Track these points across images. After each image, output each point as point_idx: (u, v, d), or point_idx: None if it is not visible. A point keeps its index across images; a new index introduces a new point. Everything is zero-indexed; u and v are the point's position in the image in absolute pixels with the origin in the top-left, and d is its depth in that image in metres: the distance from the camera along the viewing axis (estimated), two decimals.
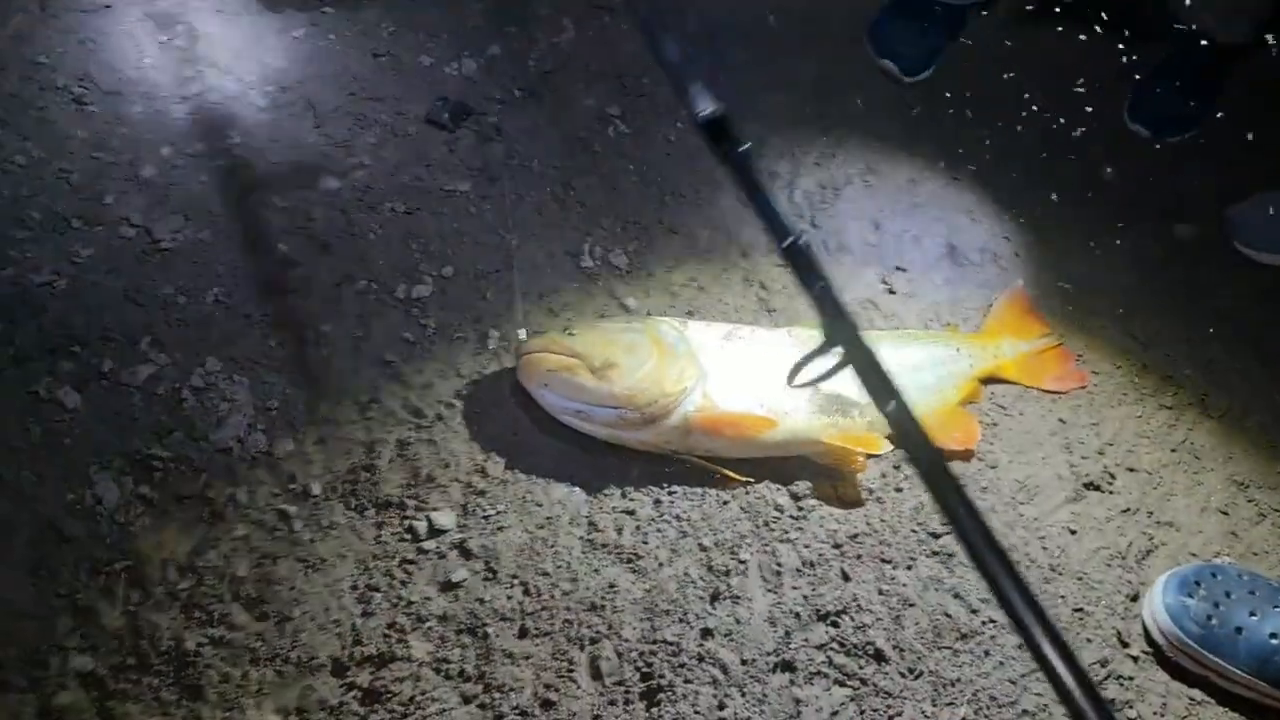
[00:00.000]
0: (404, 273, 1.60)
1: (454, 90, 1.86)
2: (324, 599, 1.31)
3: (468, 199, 1.71)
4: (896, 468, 1.56)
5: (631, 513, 1.44)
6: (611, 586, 1.38)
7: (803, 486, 1.51)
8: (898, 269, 1.79)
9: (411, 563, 1.36)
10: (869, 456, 1.53)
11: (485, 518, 1.40)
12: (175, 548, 1.32)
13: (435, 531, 1.38)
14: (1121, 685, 1.44)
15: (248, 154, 1.68)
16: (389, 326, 1.55)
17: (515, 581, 1.36)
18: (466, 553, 1.37)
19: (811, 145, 1.94)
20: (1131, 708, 1.42)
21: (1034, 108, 2.05)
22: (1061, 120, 2.04)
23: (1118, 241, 1.94)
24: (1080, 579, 1.51)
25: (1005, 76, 2.09)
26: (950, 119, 2.05)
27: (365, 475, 1.41)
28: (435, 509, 1.39)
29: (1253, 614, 1.42)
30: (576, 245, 1.70)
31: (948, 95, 2.06)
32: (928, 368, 1.62)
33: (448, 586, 1.34)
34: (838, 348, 1.03)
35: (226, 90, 1.77)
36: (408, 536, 1.37)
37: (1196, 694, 1.45)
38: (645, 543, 1.42)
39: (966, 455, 1.59)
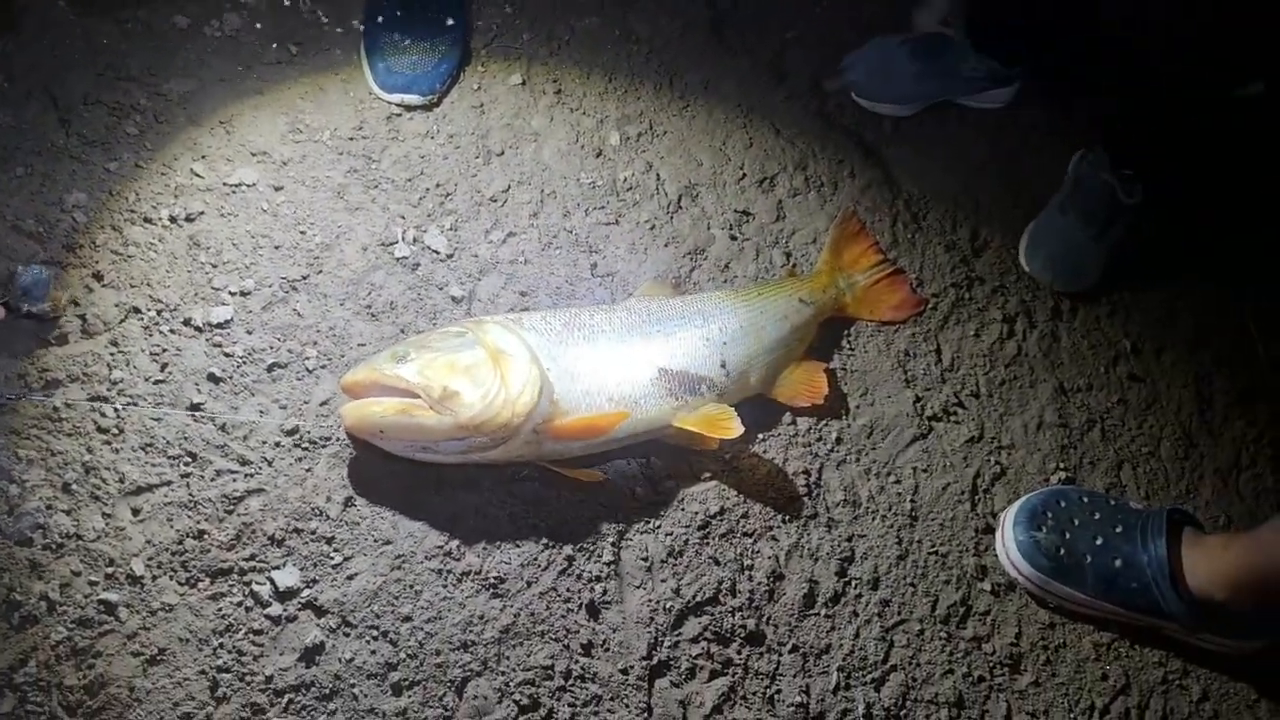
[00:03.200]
0: (197, 294, 1.42)
1: (216, 53, 1.63)
2: (169, 693, 1.21)
3: (257, 192, 1.52)
4: (748, 431, 1.53)
5: (489, 532, 1.37)
6: (479, 618, 1.32)
7: (658, 468, 1.48)
8: (732, 210, 1.72)
9: (260, 633, 1.26)
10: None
11: (333, 567, 1.31)
12: None
13: (281, 594, 1.28)
14: (980, 621, 1.50)
15: None
16: (190, 362, 1.38)
17: (375, 632, 1.29)
18: (318, 610, 1.28)
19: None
20: (990, 641, 1.49)
21: None
22: None
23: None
24: (934, 519, 1.55)
25: None
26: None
27: (193, 543, 1.28)
28: (277, 567, 1.29)
29: (1096, 539, 1.50)
30: (388, 231, 1.55)
31: None
32: (770, 325, 1.57)
33: (304, 653, 1.25)
34: None
35: None
36: (251, 604, 1.27)
37: (1046, 617, 1.53)
38: (507, 563, 1.36)
39: (816, 408, 1.58)
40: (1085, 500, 1.55)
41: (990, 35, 1.88)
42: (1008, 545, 1.53)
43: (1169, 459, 1.71)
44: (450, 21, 1.71)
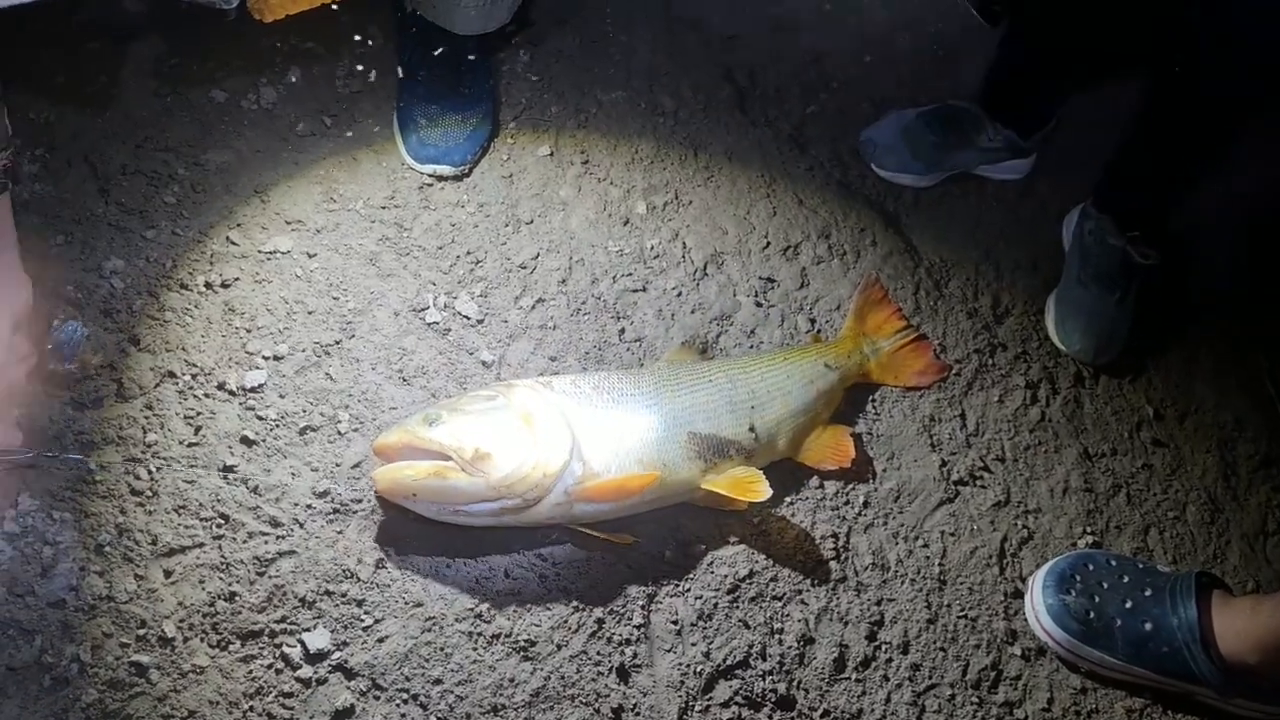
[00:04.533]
0: (231, 358, 1.44)
1: (252, 126, 1.67)
2: None
3: (291, 259, 1.55)
4: (776, 495, 1.54)
5: (519, 594, 1.37)
6: (510, 680, 1.31)
7: (687, 531, 1.48)
8: (757, 277, 1.74)
9: (290, 695, 1.25)
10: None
11: (364, 629, 1.30)
12: None
13: (311, 656, 1.27)
14: (1011, 686, 1.49)
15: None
16: (224, 425, 1.39)
17: (406, 695, 1.28)
18: (349, 673, 1.27)
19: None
20: (1021, 706, 1.48)
21: None
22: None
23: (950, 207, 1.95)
24: (963, 583, 1.54)
25: None
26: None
27: (224, 605, 1.28)
28: (307, 630, 1.28)
29: (1125, 602, 1.49)
30: (419, 298, 1.57)
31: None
32: (797, 390, 1.58)
33: (335, 715, 1.24)
34: None
35: None
36: (282, 666, 1.26)
37: (1077, 683, 1.51)
38: (537, 626, 1.36)
39: (844, 472, 1.58)
40: (1113, 564, 1.54)
41: (1007, 106, 1.92)
42: (1037, 609, 1.52)
43: (1195, 524, 1.71)
44: (481, 95, 1.75)
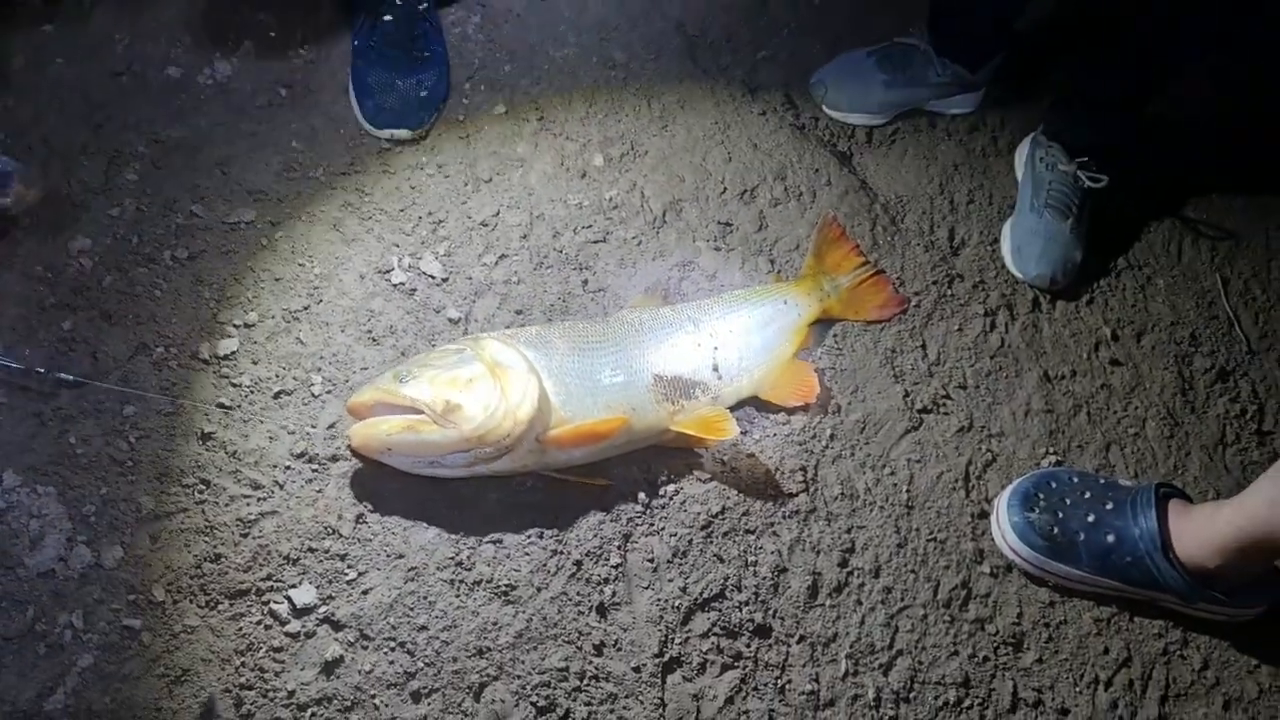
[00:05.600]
0: (203, 328, 1.47)
1: (209, 100, 1.69)
2: (194, 712, 1.24)
3: (255, 229, 1.57)
4: (744, 433, 1.58)
5: (498, 542, 1.41)
6: (493, 624, 1.36)
7: (659, 472, 1.52)
8: (716, 222, 1.77)
9: (280, 650, 1.29)
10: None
11: (348, 583, 1.35)
12: (16, 695, 1.21)
13: (298, 610, 1.31)
14: (981, 603, 1.54)
15: None
16: (200, 394, 1.43)
17: (393, 643, 1.32)
18: (336, 625, 1.32)
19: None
20: (991, 622, 1.53)
21: None
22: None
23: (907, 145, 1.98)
24: (930, 507, 1.59)
25: None
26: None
27: (211, 566, 1.32)
28: (293, 586, 1.33)
29: (1088, 516, 1.54)
30: (384, 259, 1.60)
31: None
32: (758, 329, 1.62)
33: (324, 666, 1.29)
34: None
35: None
36: (271, 622, 1.30)
37: (1045, 596, 1.56)
38: (517, 570, 1.40)
39: (808, 407, 1.62)
40: (1076, 480, 1.59)
41: (954, 41, 1.95)
42: (1003, 528, 1.57)
43: (1155, 439, 1.76)
44: (434, 58, 1.77)
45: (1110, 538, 1.51)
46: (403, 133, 1.72)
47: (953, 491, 1.62)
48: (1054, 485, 1.58)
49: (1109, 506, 1.54)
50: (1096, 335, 1.85)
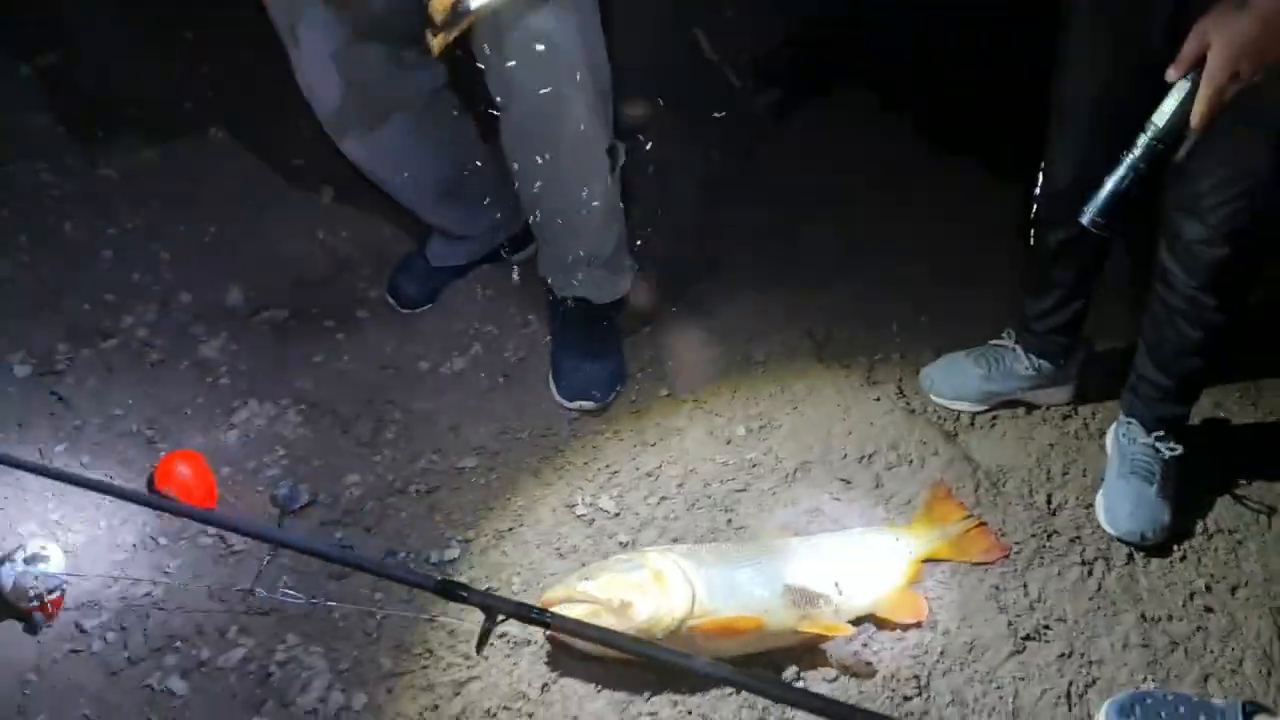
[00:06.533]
0: (433, 542, 1.93)
1: (448, 384, 2.25)
2: None
3: (476, 473, 2.07)
4: (865, 645, 1.87)
5: (655, 713, 1.72)
6: None
7: (792, 670, 1.81)
8: (837, 479, 2.16)
9: None
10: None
11: None
12: None
13: None
14: None
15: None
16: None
17: None
18: None
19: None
20: None
21: None
22: None
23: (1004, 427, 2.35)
24: (1036, 718, 1.81)
25: None
26: None
27: (430, 716, 1.68)
28: None
29: None
30: (571, 498, 2.05)
31: None
32: (874, 557, 1.95)
33: None
34: None
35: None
36: None
37: None
38: None
39: (919, 626, 1.90)
40: (1169, 698, 1.79)
41: (1039, 339, 2.35)
42: None
43: (1253, 675, 1.92)
44: (613, 350, 2.31)
45: None
46: (589, 405, 2.22)
47: (1056, 706, 1.83)
48: (1149, 702, 1.78)
49: (1201, 718, 1.73)
50: (1191, 586, 2.06)
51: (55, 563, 1.75)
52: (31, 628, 1.75)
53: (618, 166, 2.12)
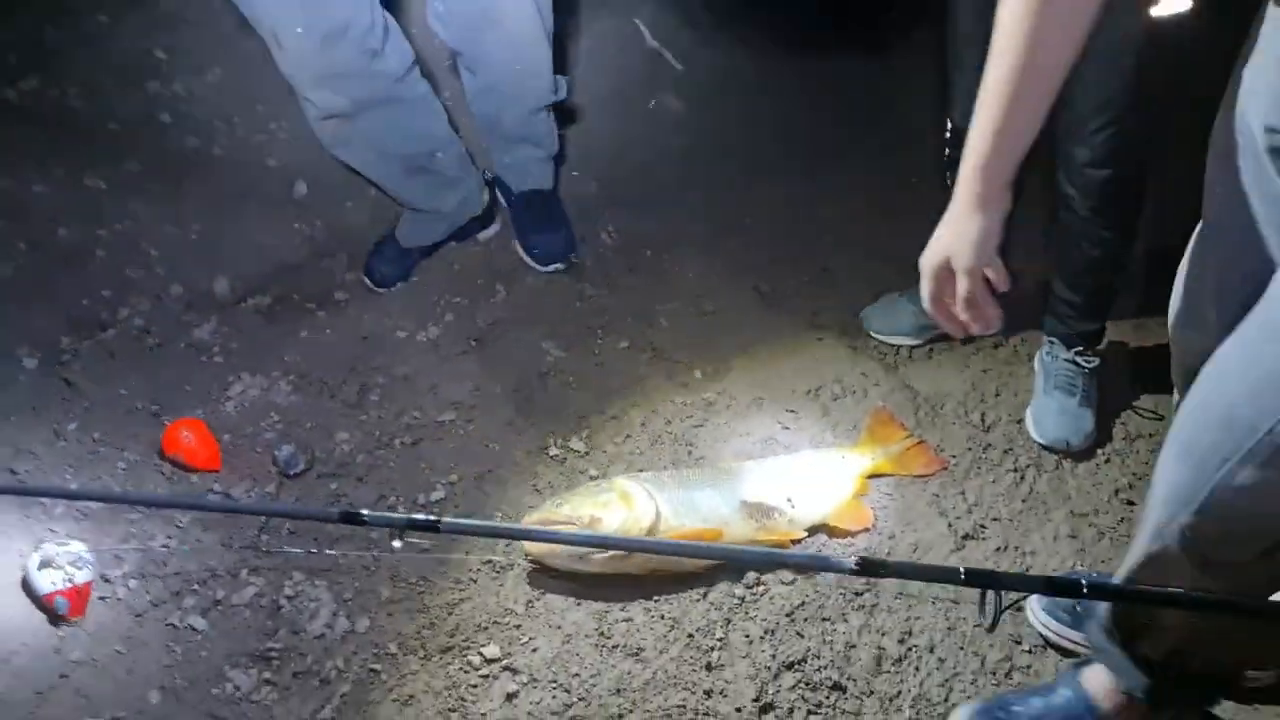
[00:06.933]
0: (420, 486, 2.12)
1: (424, 350, 2.44)
2: None
3: (454, 425, 2.26)
4: (818, 550, 2.07)
5: (630, 619, 1.91)
6: (628, 674, 1.83)
7: (750, 577, 2.00)
8: (787, 410, 2.36)
9: (475, 687, 1.80)
10: (792, 542, 2.04)
11: (522, 644, 1.86)
12: (300, 712, 1.75)
13: (488, 660, 1.83)
14: (1023, 672, 1.90)
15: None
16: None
17: (555, 685, 1.81)
18: (513, 670, 1.82)
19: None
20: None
21: None
22: None
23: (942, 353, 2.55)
24: (973, 603, 1.99)
25: None
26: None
27: (427, 633, 1.87)
28: (484, 645, 1.85)
29: None
30: (543, 441, 2.24)
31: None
32: (823, 473, 2.15)
33: (506, 698, 1.78)
34: None
35: None
36: (468, 668, 1.82)
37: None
38: (644, 639, 1.88)
39: (866, 532, 2.10)
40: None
41: None
42: (1034, 608, 1.96)
43: None
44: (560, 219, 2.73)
45: None
46: (560, 266, 2.64)
47: None
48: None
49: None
50: (1115, 484, 2.27)
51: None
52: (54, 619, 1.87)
53: (560, 92, 2.52)
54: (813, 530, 2.09)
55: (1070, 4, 1.22)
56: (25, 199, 2.62)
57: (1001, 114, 1.29)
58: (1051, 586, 1.40)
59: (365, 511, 1.47)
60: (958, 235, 1.40)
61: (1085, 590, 1.30)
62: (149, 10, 3.00)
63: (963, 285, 1.41)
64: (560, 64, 2.51)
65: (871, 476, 2.23)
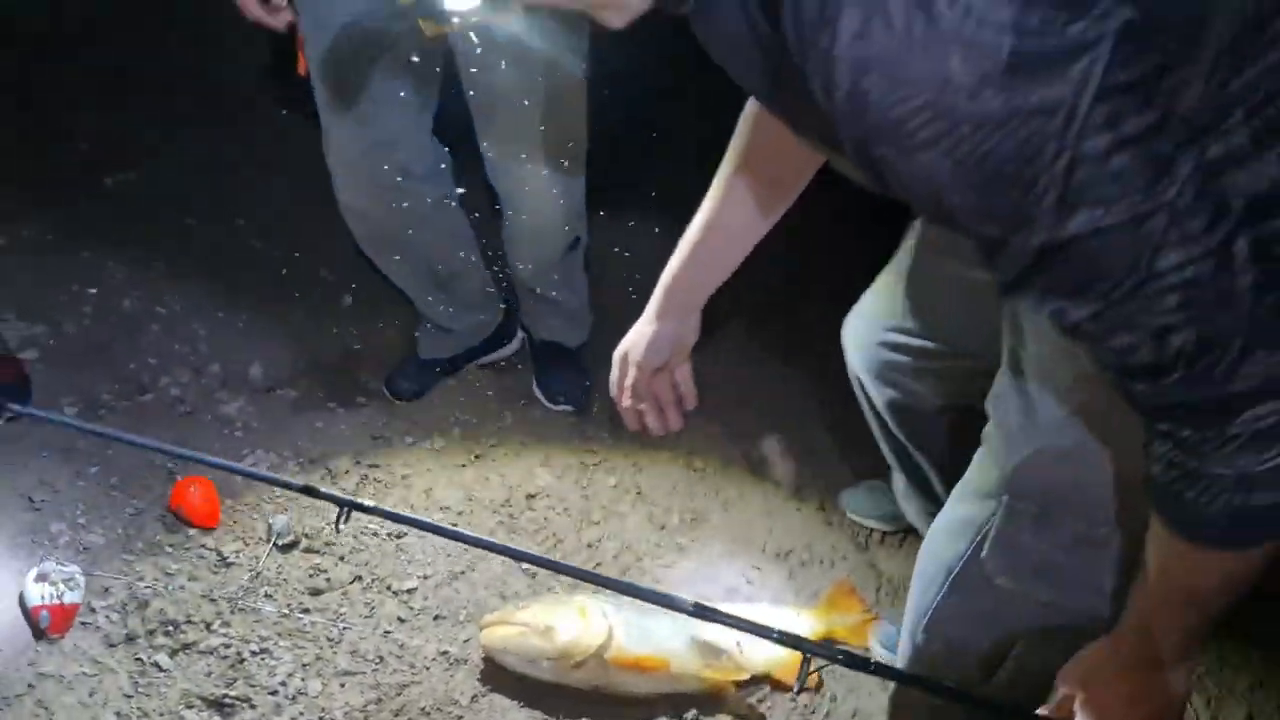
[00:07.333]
0: (396, 575, 2.25)
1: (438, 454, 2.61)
2: None
3: (452, 516, 2.41)
4: (761, 701, 2.15)
5: None
6: None
7: (693, 712, 2.09)
8: (754, 567, 2.48)
9: None
10: (734, 684, 2.13)
11: None
12: None
13: None
14: None
15: None
16: (387, 611, 2.17)
17: None
18: None
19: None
20: None
21: None
22: None
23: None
24: None
25: None
26: None
27: (373, 708, 1.99)
28: None
29: None
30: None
31: None
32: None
33: None
34: None
35: None
36: None
37: None
38: None
39: (807, 691, 2.19)
40: None
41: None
42: None
43: None
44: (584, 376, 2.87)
45: None
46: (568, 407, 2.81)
47: None
48: None
49: None
50: None
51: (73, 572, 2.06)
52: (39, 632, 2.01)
53: (580, 247, 2.65)
54: (756, 678, 2.18)
55: (764, 189, 1.47)
56: (101, 271, 2.90)
57: (688, 254, 1.56)
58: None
59: (322, 488, 1.76)
60: (638, 335, 1.67)
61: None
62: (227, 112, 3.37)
63: (631, 375, 1.69)
64: None
65: (825, 639, 2.32)
